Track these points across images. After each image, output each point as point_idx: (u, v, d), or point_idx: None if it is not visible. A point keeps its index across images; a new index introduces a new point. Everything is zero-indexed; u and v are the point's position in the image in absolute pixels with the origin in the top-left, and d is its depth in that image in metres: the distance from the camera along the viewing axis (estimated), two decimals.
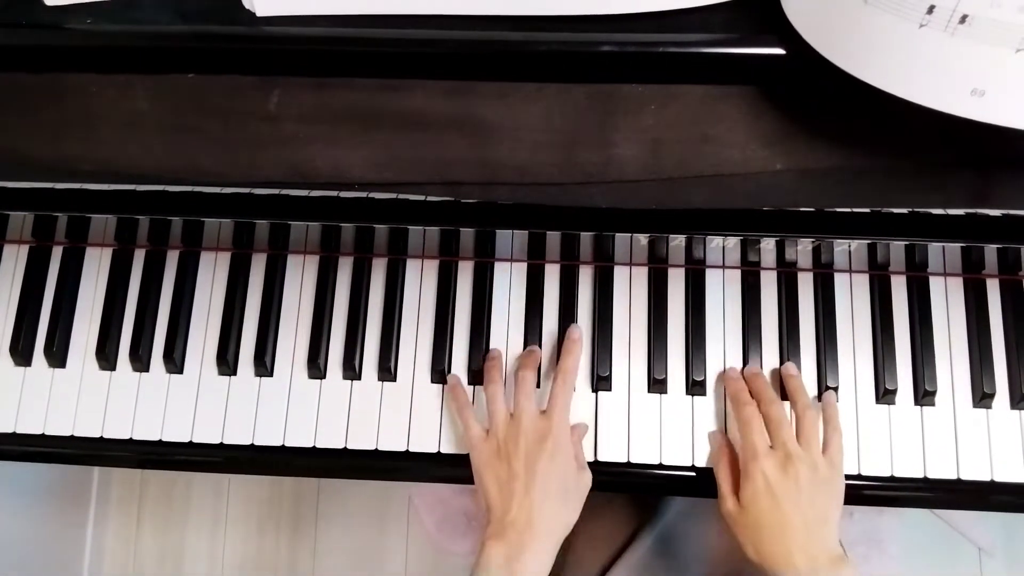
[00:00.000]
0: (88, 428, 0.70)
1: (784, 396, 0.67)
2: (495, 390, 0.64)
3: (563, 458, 0.61)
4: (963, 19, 0.38)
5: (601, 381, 0.69)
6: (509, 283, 0.71)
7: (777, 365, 0.69)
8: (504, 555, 0.57)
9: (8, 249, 0.74)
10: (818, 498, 0.59)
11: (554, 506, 0.59)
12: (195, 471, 0.74)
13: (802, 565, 0.56)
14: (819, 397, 0.68)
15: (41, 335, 0.72)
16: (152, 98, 0.51)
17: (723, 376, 0.68)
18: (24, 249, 0.74)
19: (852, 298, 0.69)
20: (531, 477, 0.59)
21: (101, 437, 0.70)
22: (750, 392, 0.65)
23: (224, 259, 0.73)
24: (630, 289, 0.70)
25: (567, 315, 0.70)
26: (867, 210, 0.58)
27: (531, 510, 0.58)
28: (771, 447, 0.61)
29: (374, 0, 0.50)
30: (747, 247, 0.70)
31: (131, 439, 0.69)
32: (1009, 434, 0.66)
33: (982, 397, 0.66)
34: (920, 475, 0.66)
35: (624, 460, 0.67)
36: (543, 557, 0.58)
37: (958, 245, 0.69)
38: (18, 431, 0.70)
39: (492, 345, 0.70)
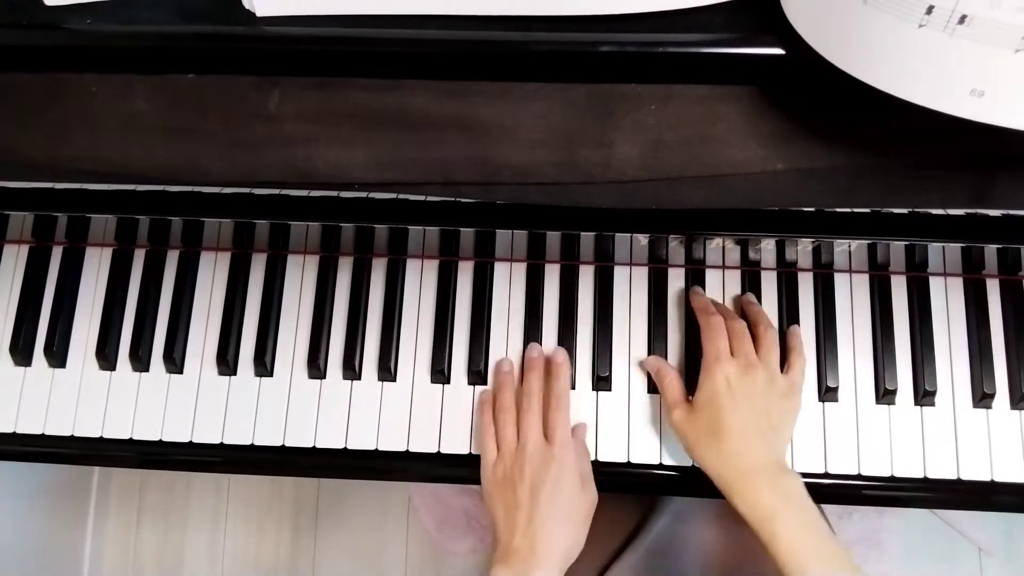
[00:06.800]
0: (88, 428, 0.70)
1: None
2: (506, 418, 0.65)
3: (567, 483, 0.61)
4: (962, 19, 0.38)
5: (601, 381, 0.69)
6: (509, 283, 0.71)
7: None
8: None
9: (8, 249, 0.74)
10: (773, 407, 0.61)
11: (558, 531, 0.60)
12: (195, 471, 0.73)
13: (751, 465, 0.58)
14: (820, 398, 0.68)
15: (41, 335, 0.72)
16: (152, 98, 0.51)
17: (691, 292, 0.69)
18: (24, 249, 0.74)
19: (852, 298, 0.70)
20: (535, 506, 0.60)
21: (101, 437, 0.70)
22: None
23: (224, 259, 0.73)
24: (630, 289, 0.70)
25: (567, 315, 0.70)
26: (867, 210, 0.58)
27: (535, 537, 0.59)
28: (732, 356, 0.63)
29: (374, 0, 0.50)
30: (747, 247, 0.70)
31: (131, 439, 0.70)
32: (1009, 434, 0.66)
33: (982, 397, 0.66)
34: (920, 475, 0.66)
35: (624, 460, 0.67)
36: None
37: (958, 245, 0.69)
38: (18, 431, 0.70)
39: (492, 345, 0.70)
